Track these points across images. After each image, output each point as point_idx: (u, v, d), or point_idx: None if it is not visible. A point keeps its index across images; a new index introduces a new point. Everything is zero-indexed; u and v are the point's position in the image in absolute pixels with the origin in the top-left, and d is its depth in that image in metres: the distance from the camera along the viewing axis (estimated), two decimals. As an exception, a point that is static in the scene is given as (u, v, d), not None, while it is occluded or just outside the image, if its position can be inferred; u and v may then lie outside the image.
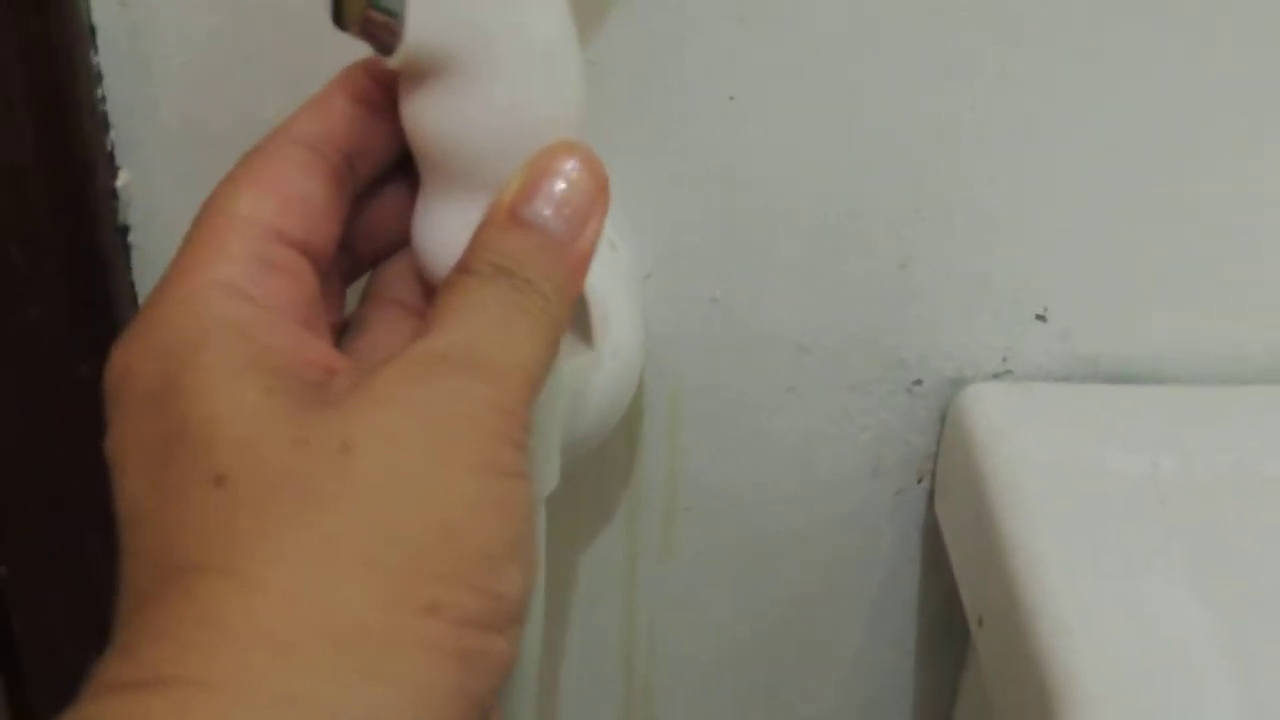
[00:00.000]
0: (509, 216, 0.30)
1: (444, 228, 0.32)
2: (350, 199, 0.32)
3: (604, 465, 0.48)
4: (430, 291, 0.33)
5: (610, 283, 0.41)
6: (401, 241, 0.34)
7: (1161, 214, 0.43)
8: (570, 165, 0.31)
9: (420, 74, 0.31)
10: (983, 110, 0.41)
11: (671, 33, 0.40)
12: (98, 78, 0.41)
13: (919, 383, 0.46)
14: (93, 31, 0.40)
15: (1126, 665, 0.38)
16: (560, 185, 0.31)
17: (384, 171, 0.33)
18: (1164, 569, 0.41)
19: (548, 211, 0.31)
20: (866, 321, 0.45)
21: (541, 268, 0.30)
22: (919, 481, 0.48)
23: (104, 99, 0.41)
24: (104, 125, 0.41)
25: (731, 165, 0.42)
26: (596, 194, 0.31)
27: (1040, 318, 0.45)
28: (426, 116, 0.31)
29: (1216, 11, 0.40)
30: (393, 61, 0.30)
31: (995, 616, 0.43)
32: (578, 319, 0.40)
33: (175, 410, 0.26)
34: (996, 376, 0.46)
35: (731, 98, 0.41)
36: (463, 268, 0.29)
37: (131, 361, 0.27)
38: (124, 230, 0.43)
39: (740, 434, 0.47)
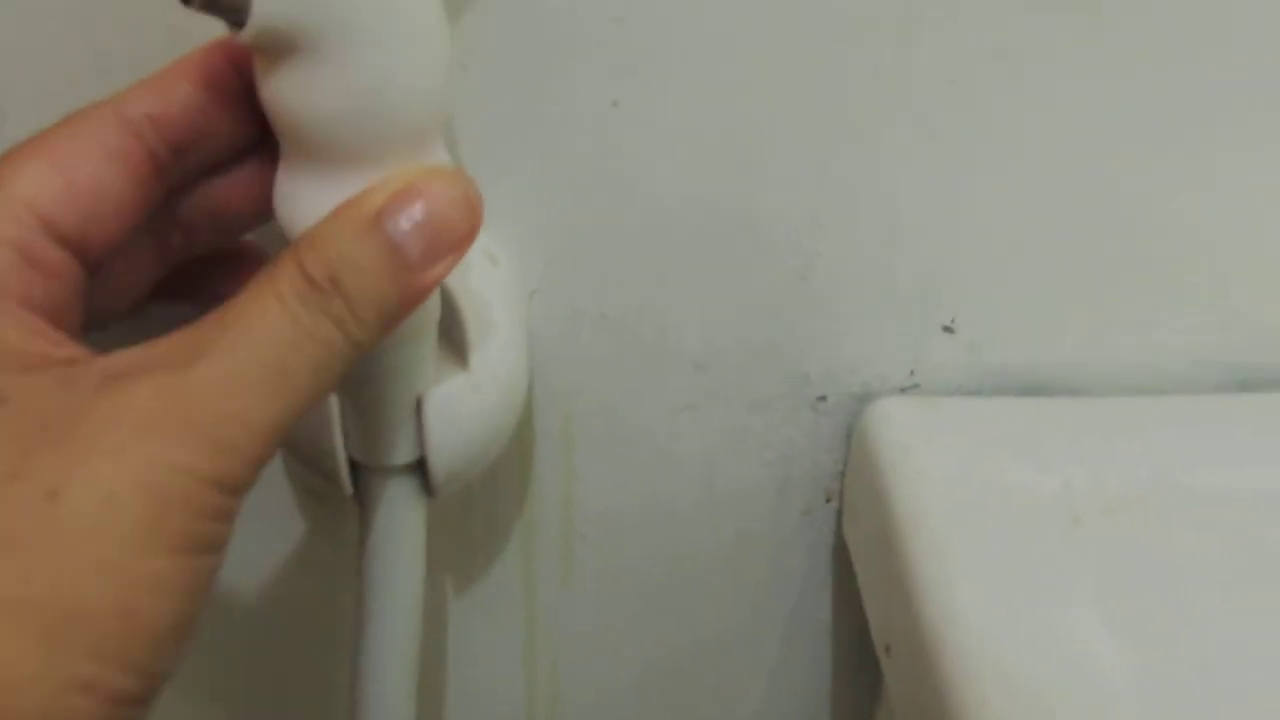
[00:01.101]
0: (371, 221, 0.29)
1: (309, 202, 0.31)
2: (166, 188, 0.31)
3: (496, 491, 0.45)
4: None
5: (490, 301, 0.39)
6: (245, 225, 0.34)
7: (1071, 221, 0.42)
8: (449, 193, 0.30)
9: (275, 49, 0.29)
10: (883, 111, 0.40)
11: (548, 35, 0.38)
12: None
13: (823, 398, 0.44)
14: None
15: (1035, 694, 0.36)
16: (433, 208, 0.29)
17: (234, 154, 0.32)
18: (1075, 591, 0.39)
19: (409, 230, 0.29)
20: (767, 336, 0.43)
21: (375, 289, 0.28)
22: (827, 501, 0.46)
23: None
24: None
25: (619, 174, 0.40)
26: (465, 232, 0.30)
27: (948, 329, 0.43)
28: (283, 93, 0.30)
29: (1135, 10, 0.38)
30: (244, 36, 0.29)
31: (902, 644, 0.41)
32: (453, 341, 0.38)
33: None
34: (903, 391, 0.44)
35: (615, 103, 0.39)
36: (293, 258, 0.28)
37: None
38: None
39: (638, 455, 0.45)
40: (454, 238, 0.29)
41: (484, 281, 0.39)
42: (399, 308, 0.29)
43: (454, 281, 0.38)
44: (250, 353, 0.27)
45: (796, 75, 0.39)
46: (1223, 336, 0.44)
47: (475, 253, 0.40)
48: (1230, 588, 0.39)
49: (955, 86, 0.39)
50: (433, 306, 0.36)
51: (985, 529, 0.40)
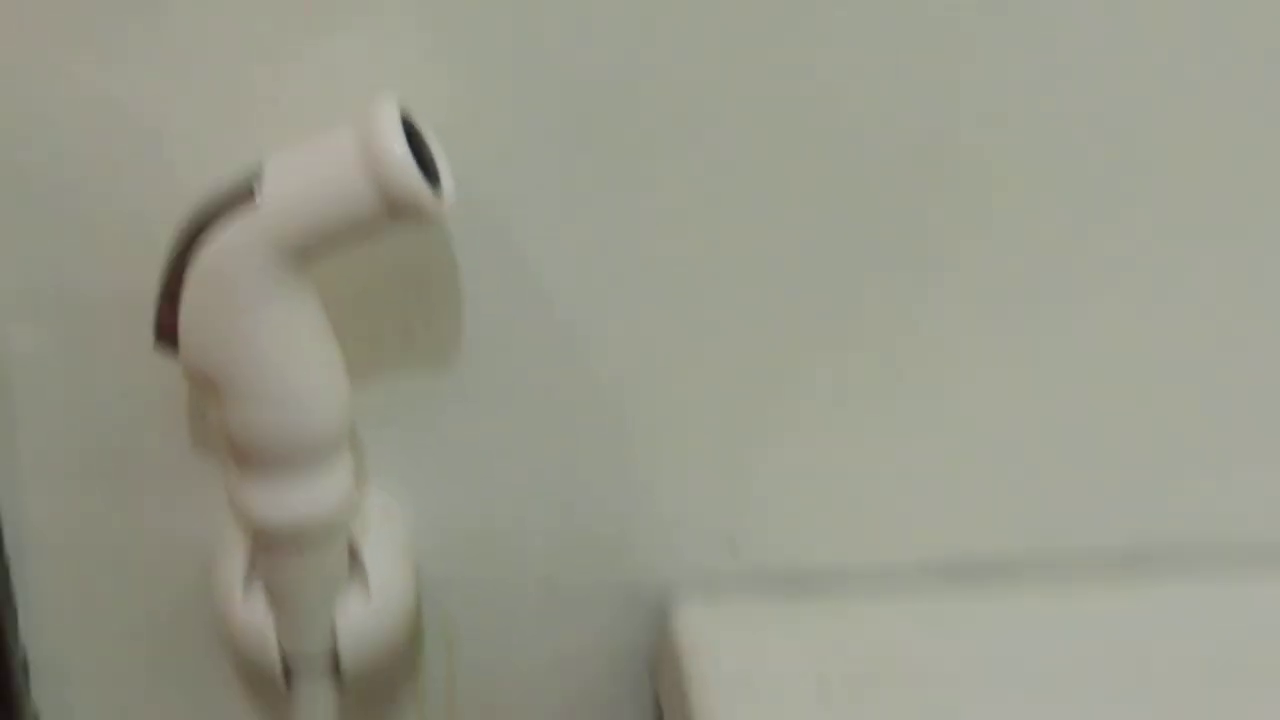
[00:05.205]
0: None
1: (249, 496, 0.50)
2: None
3: (393, 678, 0.60)
4: None
5: (387, 546, 0.54)
6: None
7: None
8: None
9: (206, 385, 0.47)
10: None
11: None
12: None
13: (641, 592, 0.59)
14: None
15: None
16: None
17: None
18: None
19: None
20: (605, 565, 0.58)
21: None
22: (648, 673, 0.61)
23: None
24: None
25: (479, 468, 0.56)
26: None
27: (730, 543, 0.58)
28: (215, 415, 0.48)
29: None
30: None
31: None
32: (358, 572, 0.53)
33: None
34: (699, 595, 0.59)
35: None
36: None
37: None
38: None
39: (505, 648, 0.60)
40: None
41: (383, 533, 0.54)
42: None
43: (357, 531, 0.52)
44: None
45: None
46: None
47: (374, 508, 0.55)
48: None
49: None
50: (342, 552, 0.51)
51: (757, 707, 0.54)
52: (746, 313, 0.54)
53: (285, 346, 0.46)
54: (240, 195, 0.45)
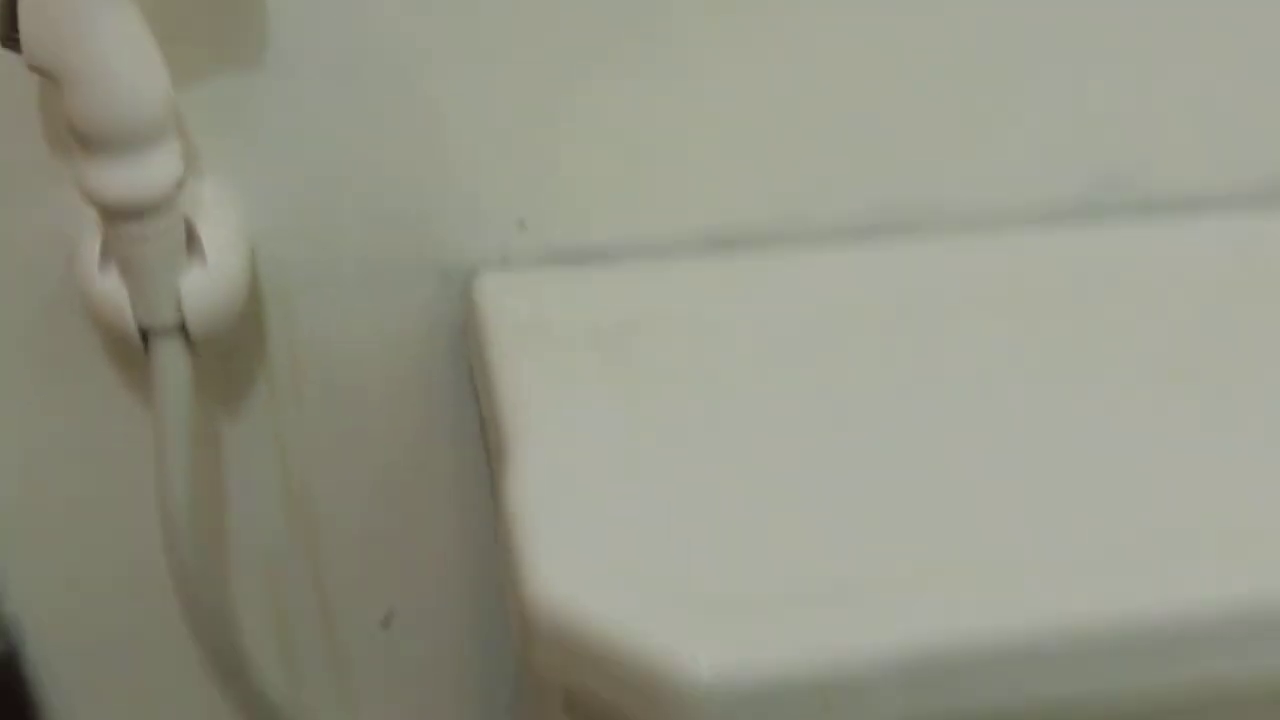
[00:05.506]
0: None
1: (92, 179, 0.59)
2: None
3: (240, 347, 0.70)
4: None
5: (220, 226, 0.64)
6: None
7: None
8: None
9: (50, 77, 0.56)
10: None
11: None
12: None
13: (449, 270, 0.70)
14: None
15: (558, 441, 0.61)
16: None
17: None
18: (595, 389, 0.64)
19: None
20: (415, 246, 0.69)
21: None
22: (463, 335, 0.72)
23: None
24: None
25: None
26: None
27: (521, 224, 0.69)
28: (62, 105, 0.56)
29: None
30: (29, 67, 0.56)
31: (492, 433, 0.66)
32: (196, 248, 0.63)
33: None
34: (500, 264, 0.70)
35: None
36: None
37: None
38: None
39: (336, 324, 0.70)
40: None
41: (214, 209, 0.64)
42: None
43: (193, 214, 0.62)
44: None
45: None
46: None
47: (207, 196, 0.64)
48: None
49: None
50: (179, 227, 0.61)
51: (545, 358, 0.65)
52: (534, 13, 0.64)
53: (111, 44, 0.55)
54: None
